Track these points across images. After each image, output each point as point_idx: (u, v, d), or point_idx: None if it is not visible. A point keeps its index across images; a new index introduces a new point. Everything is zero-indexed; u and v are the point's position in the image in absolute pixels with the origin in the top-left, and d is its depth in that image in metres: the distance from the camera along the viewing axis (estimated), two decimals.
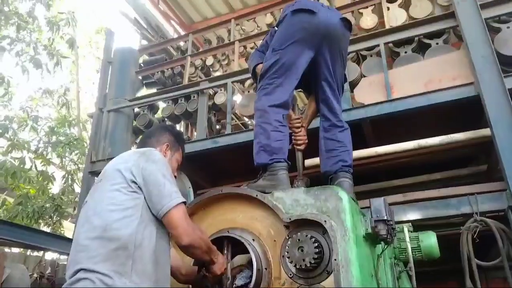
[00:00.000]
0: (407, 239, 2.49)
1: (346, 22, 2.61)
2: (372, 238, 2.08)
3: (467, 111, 3.43)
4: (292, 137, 2.73)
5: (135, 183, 1.77)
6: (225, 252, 2.09)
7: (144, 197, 1.77)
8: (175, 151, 2.26)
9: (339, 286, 1.72)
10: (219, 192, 2.28)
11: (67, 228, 9.20)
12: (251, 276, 2.07)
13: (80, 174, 8.72)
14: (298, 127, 2.74)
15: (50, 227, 7.94)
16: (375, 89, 3.73)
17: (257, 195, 2.12)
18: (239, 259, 2.34)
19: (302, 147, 2.74)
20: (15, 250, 7.36)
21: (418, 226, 2.79)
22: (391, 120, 3.53)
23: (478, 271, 2.73)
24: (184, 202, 1.81)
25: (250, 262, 2.23)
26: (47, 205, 7.56)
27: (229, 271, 2.06)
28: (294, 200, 2.02)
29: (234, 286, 2.09)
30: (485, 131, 3.16)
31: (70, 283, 1.61)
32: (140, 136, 2.42)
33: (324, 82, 2.60)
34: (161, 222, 1.77)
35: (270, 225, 2.09)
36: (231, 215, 2.24)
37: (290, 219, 1.97)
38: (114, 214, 1.69)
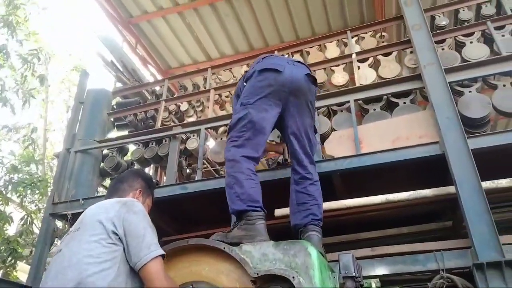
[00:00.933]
0: None
1: (310, 77, 2.73)
2: None
3: (434, 168, 3.54)
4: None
5: (116, 234, 1.74)
6: None
7: (124, 249, 1.73)
8: (146, 196, 2.24)
9: None
10: (185, 243, 2.21)
11: (21, 270, 8.59)
12: None
13: (40, 215, 8.32)
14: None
15: (1, 271, 7.40)
16: (344, 143, 3.82)
17: (224, 248, 2.08)
18: None
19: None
20: None
21: (386, 281, 2.77)
22: (360, 173, 3.59)
23: None
24: (163, 255, 1.76)
25: None
26: (2, 247, 7.09)
27: None
28: (263, 254, 1.98)
29: None
30: (451, 189, 3.25)
31: None
32: (111, 180, 2.38)
33: (291, 136, 2.67)
34: (137, 274, 1.72)
35: (237, 280, 2.02)
36: (196, 268, 2.16)
37: (257, 274, 1.92)
38: (91, 267, 1.63)
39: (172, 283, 1.76)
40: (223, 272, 2.07)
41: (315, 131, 2.92)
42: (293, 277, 1.82)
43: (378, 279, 2.63)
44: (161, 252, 1.76)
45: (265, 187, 2.65)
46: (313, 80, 2.80)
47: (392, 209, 3.73)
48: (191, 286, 2.04)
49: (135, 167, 5.16)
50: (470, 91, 3.68)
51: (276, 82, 2.60)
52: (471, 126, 3.53)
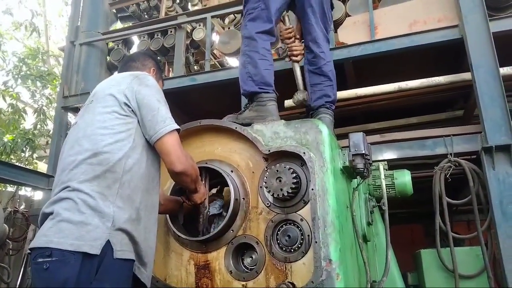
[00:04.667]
0: (382, 176, 2.53)
1: None
2: (349, 172, 2.10)
3: (450, 54, 3.42)
4: (287, 49, 2.67)
5: (128, 106, 1.70)
6: (203, 182, 2.08)
7: (138, 122, 1.71)
8: (159, 78, 2.17)
9: (315, 214, 1.74)
10: (197, 124, 2.23)
11: (42, 170, 9.01)
12: (223, 206, 2.09)
13: (53, 112, 8.43)
14: (290, 38, 2.64)
15: (22, 163, 7.74)
16: (359, 29, 3.64)
17: (236, 128, 2.09)
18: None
19: (299, 57, 2.64)
20: None
21: (394, 166, 2.84)
22: (374, 61, 3.49)
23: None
24: (178, 130, 1.75)
25: (220, 192, 2.27)
26: (18, 139, 7.29)
27: (207, 201, 2.06)
28: (274, 133, 2.00)
29: (208, 214, 2.11)
30: (466, 75, 3.17)
31: (52, 201, 1.57)
32: (122, 60, 2.28)
33: (308, 9, 2.50)
34: (153, 148, 1.73)
35: (249, 157, 2.08)
36: (210, 148, 2.21)
37: (269, 151, 1.96)
38: (106, 138, 1.63)
39: (188, 155, 1.78)
40: (235, 151, 2.12)
41: (332, 7, 2.72)
42: (304, 153, 1.85)
43: (386, 162, 2.69)
44: (176, 126, 1.74)
45: (275, 78, 2.56)
46: None
47: (403, 98, 3.69)
48: (205, 164, 2.11)
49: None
50: None
51: None
52: (495, 9, 3.31)
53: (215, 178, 2.17)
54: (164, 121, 1.70)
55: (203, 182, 2.08)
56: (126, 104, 1.70)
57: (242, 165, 2.08)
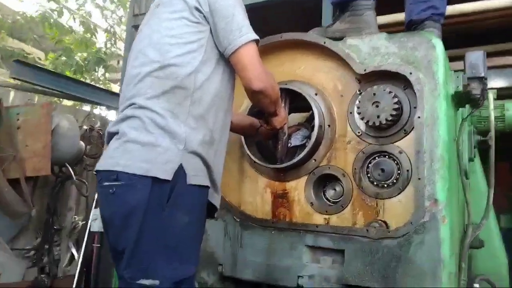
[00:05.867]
0: (491, 106, 2.12)
1: None
2: (460, 99, 1.75)
3: None
4: None
5: (200, 11, 1.44)
6: (283, 105, 1.84)
7: (210, 30, 1.45)
8: None
9: (420, 147, 1.46)
10: (278, 38, 1.95)
11: (115, 90, 9.31)
12: (308, 136, 1.86)
13: (124, 34, 8.46)
14: None
15: (96, 84, 7.98)
16: None
17: (325, 43, 1.78)
18: (294, 117, 2.11)
19: None
20: (65, 103, 7.58)
21: (503, 95, 2.40)
22: None
23: None
24: (257, 40, 1.46)
25: (308, 121, 2.01)
26: (90, 57, 7.43)
27: (286, 126, 1.84)
28: (373, 48, 1.67)
29: (289, 145, 1.90)
30: None
31: (118, 120, 1.42)
32: None
33: None
34: (228, 62, 1.48)
35: (338, 78, 1.79)
36: (291, 67, 1.94)
37: (365, 70, 1.65)
38: (174, 48, 1.41)
39: (268, 73, 1.51)
40: (321, 70, 1.83)
41: None
42: (410, 73, 1.53)
43: (495, 91, 2.26)
44: (255, 36, 1.44)
45: None
46: None
47: None
48: (285, 85, 1.85)
49: None
50: None
51: None
52: None
53: (295, 102, 1.93)
54: (240, 29, 1.42)
55: (283, 105, 1.84)
56: (197, 8, 1.43)
57: (329, 87, 1.81)
